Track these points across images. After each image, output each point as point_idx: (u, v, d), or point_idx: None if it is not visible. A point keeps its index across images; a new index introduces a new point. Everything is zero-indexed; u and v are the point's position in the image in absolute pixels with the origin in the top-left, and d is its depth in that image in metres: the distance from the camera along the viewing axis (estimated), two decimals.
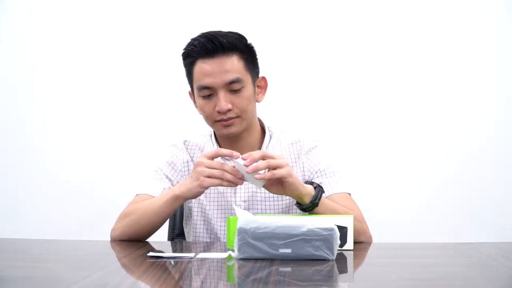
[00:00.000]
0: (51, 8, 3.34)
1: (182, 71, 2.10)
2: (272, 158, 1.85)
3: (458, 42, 3.27)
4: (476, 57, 3.26)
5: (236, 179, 1.85)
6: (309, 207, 1.90)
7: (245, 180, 1.86)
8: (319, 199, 1.90)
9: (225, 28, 2.07)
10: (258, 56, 2.09)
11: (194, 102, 2.11)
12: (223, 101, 2.00)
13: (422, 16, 3.28)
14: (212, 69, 2.00)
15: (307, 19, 3.30)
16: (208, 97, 2.02)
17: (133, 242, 1.95)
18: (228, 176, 1.85)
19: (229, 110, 2.01)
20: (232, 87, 2.01)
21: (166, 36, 3.30)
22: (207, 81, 2.01)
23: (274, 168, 1.83)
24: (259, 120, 2.15)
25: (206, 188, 1.89)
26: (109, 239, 2.01)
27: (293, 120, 3.26)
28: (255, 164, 1.82)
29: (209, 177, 1.85)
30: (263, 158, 1.84)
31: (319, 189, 1.91)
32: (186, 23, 3.27)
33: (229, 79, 2.00)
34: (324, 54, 3.29)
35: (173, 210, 1.96)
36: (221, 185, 1.87)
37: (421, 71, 3.28)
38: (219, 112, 2.01)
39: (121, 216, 2.02)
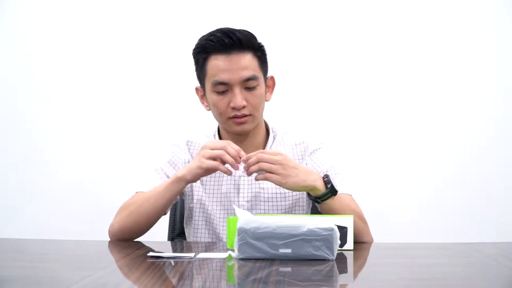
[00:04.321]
0: (51, 8, 3.34)
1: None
2: (267, 156, 1.87)
3: (458, 42, 3.27)
4: (476, 57, 3.27)
5: (234, 163, 1.87)
6: (325, 194, 1.89)
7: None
8: (334, 184, 1.89)
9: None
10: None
11: (201, 98, 2.11)
12: (239, 97, 1.99)
13: (422, 16, 3.28)
14: (229, 65, 1.99)
15: (311, 20, 3.30)
16: (222, 93, 2.02)
17: (132, 242, 1.95)
18: (228, 158, 1.86)
19: (243, 107, 2.01)
20: (248, 84, 2.01)
21: (170, 33, 3.30)
22: (224, 76, 2.00)
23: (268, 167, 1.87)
24: (264, 121, 2.15)
25: (205, 170, 1.88)
26: (109, 239, 2.00)
27: (296, 121, 3.26)
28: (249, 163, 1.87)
29: (210, 158, 1.87)
30: (259, 161, 1.87)
31: (327, 176, 1.91)
32: (190, 23, 3.27)
33: (246, 76, 2.00)
34: (328, 55, 3.30)
35: (175, 194, 1.94)
36: (219, 169, 1.87)
37: (422, 73, 3.28)
38: (233, 108, 2.01)
39: (120, 210, 2.01)
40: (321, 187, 1.90)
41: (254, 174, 1.89)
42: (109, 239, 2.00)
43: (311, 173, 1.91)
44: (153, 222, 1.99)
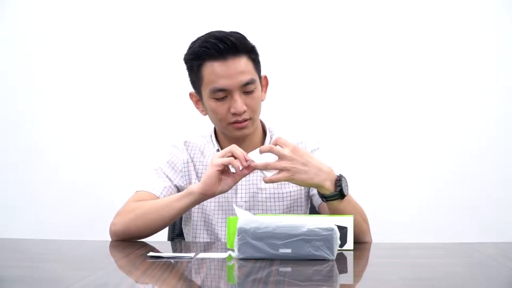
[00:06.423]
0: (51, 8, 3.34)
1: (182, 72, 2.09)
2: (280, 145, 1.85)
3: (458, 42, 3.27)
4: (476, 57, 3.27)
5: (243, 158, 1.84)
6: (332, 195, 1.88)
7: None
8: (344, 188, 1.88)
9: (221, 29, 2.06)
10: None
11: (196, 103, 2.10)
12: (240, 103, 1.98)
13: (422, 16, 3.28)
14: (227, 71, 1.98)
15: (306, 18, 3.30)
16: (221, 99, 2.00)
17: (132, 242, 1.95)
18: (238, 152, 1.84)
19: (244, 112, 2.00)
20: (247, 88, 2.00)
21: (168, 36, 3.30)
22: (223, 83, 1.98)
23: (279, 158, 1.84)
24: (260, 121, 2.15)
25: (218, 166, 1.85)
26: (109, 239, 2.00)
27: (293, 121, 3.26)
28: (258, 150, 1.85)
29: (220, 157, 1.86)
30: (276, 143, 1.86)
31: (340, 177, 1.89)
32: (186, 23, 3.27)
33: (244, 80, 1.99)
34: (325, 54, 3.29)
35: (185, 207, 1.92)
36: (232, 163, 1.84)
37: (421, 72, 3.28)
38: (234, 114, 2.00)
39: (124, 211, 1.99)
40: (328, 187, 1.88)
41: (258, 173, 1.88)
42: (109, 239, 2.00)
43: (322, 171, 1.87)
44: (158, 230, 1.98)
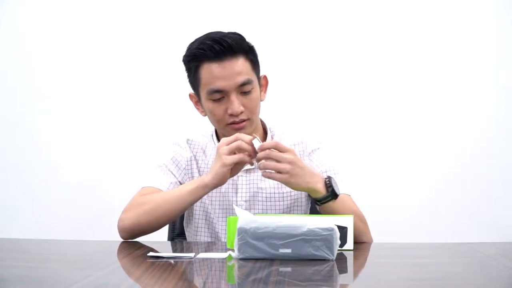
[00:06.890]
0: (51, 8, 3.34)
1: (181, 71, 2.09)
2: (280, 150, 1.85)
3: (458, 42, 3.27)
4: (476, 57, 3.27)
5: (251, 150, 1.86)
6: (325, 197, 1.89)
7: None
8: (335, 188, 1.89)
9: (221, 29, 2.06)
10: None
11: (196, 104, 2.11)
12: (236, 103, 1.99)
13: (422, 16, 3.28)
14: (223, 72, 1.99)
15: (306, 17, 3.30)
16: (218, 100, 2.01)
17: (132, 242, 1.95)
18: (246, 145, 1.86)
19: (241, 113, 2.01)
20: (244, 89, 2.01)
21: (170, 34, 3.29)
22: (219, 84, 1.99)
23: (278, 161, 1.85)
24: (261, 121, 2.15)
25: (230, 165, 1.87)
26: (110, 239, 2.00)
27: (293, 120, 3.26)
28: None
29: (230, 153, 1.87)
30: (275, 148, 1.86)
31: (329, 178, 1.91)
32: (188, 23, 3.27)
33: (241, 81, 2.00)
34: (324, 54, 3.30)
35: (197, 199, 1.94)
36: (243, 160, 1.87)
37: (421, 72, 3.29)
38: (231, 115, 2.00)
39: (133, 205, 1.99)
40: (321, 189, 1.90)
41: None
42: (109, 239, 2.00)
43: (315, 175, 1.91)
44: (168, 223, 2.00)
